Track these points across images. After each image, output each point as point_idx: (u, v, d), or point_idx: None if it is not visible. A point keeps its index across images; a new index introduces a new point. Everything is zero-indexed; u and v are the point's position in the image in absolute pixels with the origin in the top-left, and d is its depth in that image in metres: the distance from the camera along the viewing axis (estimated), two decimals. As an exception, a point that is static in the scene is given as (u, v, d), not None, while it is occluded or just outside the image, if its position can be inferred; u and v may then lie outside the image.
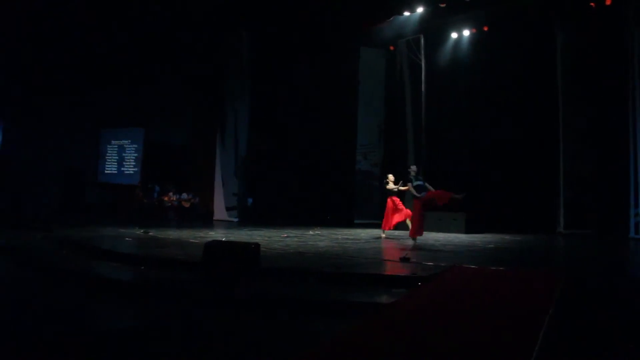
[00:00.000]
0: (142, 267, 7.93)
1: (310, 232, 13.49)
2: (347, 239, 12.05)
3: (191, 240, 10.70)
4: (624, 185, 13.13)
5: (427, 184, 11.02)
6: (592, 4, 13.94)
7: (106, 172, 23.69)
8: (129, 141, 23.15)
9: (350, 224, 16.61)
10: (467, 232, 13.72)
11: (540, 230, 13.92)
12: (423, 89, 16.50)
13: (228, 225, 16.95)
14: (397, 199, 12.23)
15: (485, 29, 16.11)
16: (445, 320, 4.39)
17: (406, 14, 16.66)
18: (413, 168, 11.34)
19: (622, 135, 13.30)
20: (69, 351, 4.33)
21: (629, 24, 13.17)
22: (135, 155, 22.91)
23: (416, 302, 5.24)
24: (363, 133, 18.30)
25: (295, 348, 4.32)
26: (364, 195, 18.13)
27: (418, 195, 10.69)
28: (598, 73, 13.88)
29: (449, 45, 16.93)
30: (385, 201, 12.46)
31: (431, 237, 12.58)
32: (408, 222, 11.82)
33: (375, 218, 17.23)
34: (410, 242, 10.65)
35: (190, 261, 7.58)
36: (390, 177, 12.40)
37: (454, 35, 16.77)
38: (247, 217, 19.09)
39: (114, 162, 23.53)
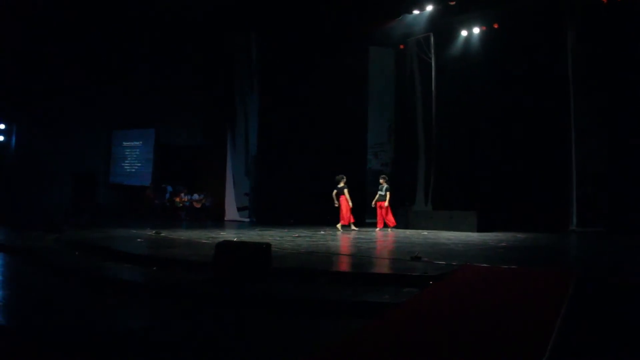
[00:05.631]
0: (154, 268, 7.96)
1: (322, 232, 13.48)
2: (359, 238, 12.04)
3: (202, 241, 10.74)
4: (636, 182, 13.02)
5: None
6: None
7: (118, 173, 23.83)
8: (140, 142, 23.29)
9: (362, 223, 16.57)
10: (478, 230, 13.66)
11: (552, 229, 13.82)
12: (433, 87, 16.45)
13: (239, 225, 16.99)
14: None
15: (496, 26, 16.04)
16: (457, 319, 4.37)
17: (415, 12, 16.66)
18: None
19: (634, 132, 13.19)
20: (76, 351, 4.35)
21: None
22: (147, 156, 23.02)
23: (427, 302, 5.22)
24: (373, 132, 18.28)
25: (306, 348, 4.32)
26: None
27: None
28: (610, 69, 13.77)
29: (458, 43, 16.86)
30: None
31: (443, 235, 12.54)
32: None
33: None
34: None
35: (202, 261, 7.59)
36: None
37: (464, 33, 16.70)
38: (259, 217, 19.13)
39: (125, 163, 23.67)
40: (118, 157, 23.94)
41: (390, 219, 14.57)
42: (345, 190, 14.30)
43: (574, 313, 4.63)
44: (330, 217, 17.29)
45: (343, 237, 12.15)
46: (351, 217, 14.40)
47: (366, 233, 13.78)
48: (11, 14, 16.50)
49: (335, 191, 14.37)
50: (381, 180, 14.80)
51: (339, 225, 14.32)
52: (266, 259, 6.86)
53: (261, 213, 19.43)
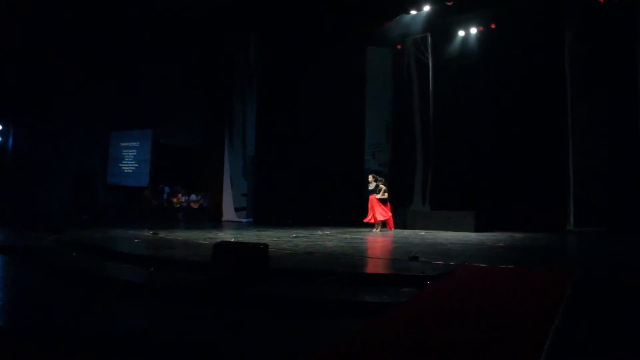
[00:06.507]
0: (152, 269, 7.97)
1: (319, 232, 13.49)
2: (356, 238, 12.05)
3: (200, 241, 10.73)
4: (635, 181, 13.04)
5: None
6: (600, -1, 13.87)
7: (115, 174, 23.80)
8: (138, 143, 23.26)
9: (359, 224, 16.57)
10: (476, 230, 13.69)
11: (551, 229, 13.83)
12: (430, 87, 16.47)
13: (237, 226, 16.98)
14: None
15: (493, 26, 16.04)
16: (455, 319, 4.38)
17: (413, 12, 16.64)
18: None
19: (632, 130, 13.21)
20: (76, 351, 4.36)
21: (638, 19, 13.08)
22: (144, 156, 22.99)
23: (425, 302, 5.24)
24: (371, 132, 18.26)
25: (304, 349, 4.33)
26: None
27: None
28: (607, 68, 13.79)
29: (456, 43, 16.88)
30: None
31: (441, 236, 12.56)
32: None
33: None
34: None
35: (200, 262, 7.60)
36: None
37: (461, 33, 16.73)
38: (256, 218, 19.13)
39: (123, 163, 23.65)
40: (116, 158, 23.90)
41: (378, 216, 14.48)
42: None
43: (574, 313, 4.64)
44: (330, 217, 17.31)
45: (340, 238, 12.15)
46: (377, 217, 14.30)
47: (364, 233, 13.80)
48: (11, 14, 16.48)
49: None
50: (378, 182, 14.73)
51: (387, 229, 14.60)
52: (264, 259, 6.86)
53: (259, 213, 19.42)
